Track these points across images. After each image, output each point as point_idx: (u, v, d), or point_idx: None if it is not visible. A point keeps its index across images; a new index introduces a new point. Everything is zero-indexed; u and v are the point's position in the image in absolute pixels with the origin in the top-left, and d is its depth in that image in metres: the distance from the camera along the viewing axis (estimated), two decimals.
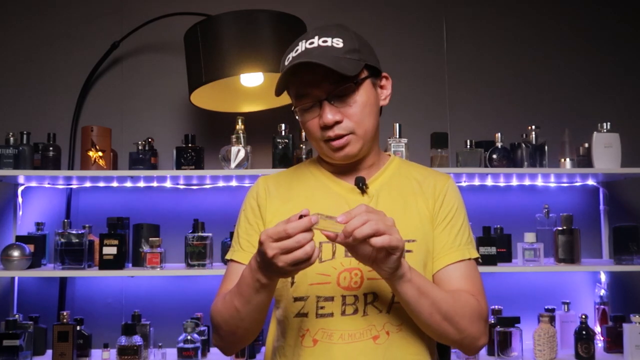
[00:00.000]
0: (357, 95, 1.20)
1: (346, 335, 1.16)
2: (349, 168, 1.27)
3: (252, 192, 1.32)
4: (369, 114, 1.22)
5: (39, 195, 2.51)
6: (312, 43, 1.18)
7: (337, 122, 1.19)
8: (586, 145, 2.39)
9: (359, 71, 1.19)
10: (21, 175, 2.30)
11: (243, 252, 1.27)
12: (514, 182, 2.54)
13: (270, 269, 1.03)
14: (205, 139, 2.50)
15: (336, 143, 1.20)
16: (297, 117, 1.25)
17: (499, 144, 2.35)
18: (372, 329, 1.16)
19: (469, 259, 1.23)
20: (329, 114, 1.18)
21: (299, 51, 1.18)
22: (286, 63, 1.20)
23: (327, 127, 1.19)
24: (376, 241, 0.99)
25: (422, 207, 1.25)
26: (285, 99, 2.31)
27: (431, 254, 1.23)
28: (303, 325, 1.19)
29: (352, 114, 1.19)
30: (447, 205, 1.26)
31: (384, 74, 1.27)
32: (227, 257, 1.29)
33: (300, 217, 0.99)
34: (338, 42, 1.18)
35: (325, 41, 1.18)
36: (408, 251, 1.19)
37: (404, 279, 1.08)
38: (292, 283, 1.21)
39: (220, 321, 1.20)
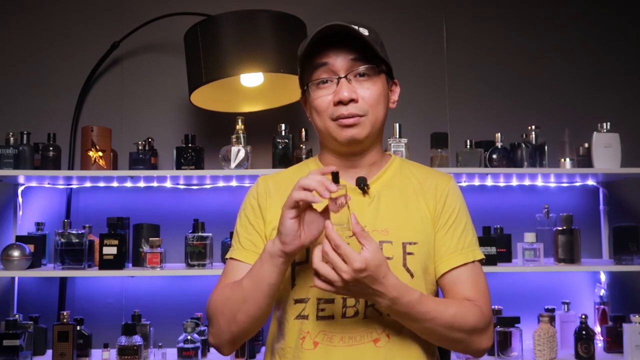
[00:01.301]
0: (376, 79, 1.21)
1: (347, 337, 1.16)
2: (350, 164, 1.26)
3: (252, 192, 1.31)
4: (381, 104, 1.23)
5: (39, 195, 2.51)
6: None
7: (352, 101, 1.18)
8: (586, 145, 2.39)
9: (382, 56, 1.21)
10: (21, 175, 2.30)
11: (243, 250, 1.25)
12: (514, 182, 2.54)
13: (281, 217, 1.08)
14: (205, 139, 2.50)
15: (346, 121, 1.19)
16: (308, 96, 1.24)
17: (499, 144, 2.35)
18: (373, 331, 1.16)
19: (473, 261, 1.23)
20: (346, 91, 1.17)
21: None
22: (307, 42, 1.20)
23: (341, 104, 1.18)
24: (319, 284, 1.06)
25: (424, 207, 1.25)
26: (285, 99, 2.34)
27: (432, 256, 1.23)
28: (303, 327, 1.18)
29: (367, 97, 1.20)
30: (449, 207, 1.25)
31: (395, 80, 1.29)
32: (227, 256, 1.28)
33: (332, 173, 1.09)
34: (364, 31, 1.19)
35: (352, 27, 1.19)
36: (409, 253, 1.19)
37: (389, 311, 1.12)
38: (293, 285, 1.21)
39: (221, 305, 1.18)
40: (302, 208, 1.08)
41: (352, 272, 1.03)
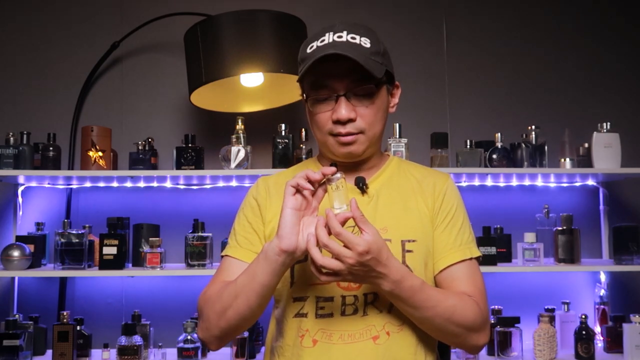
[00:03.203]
0: (374, 97, 1.20)
1: (346, 335, 1.16)
2: (350, 168, 1.27)
3: (252, 191, 1.31)
4: (380, 119, 1.23)
5: (39, 195, 2.51)
6: (340, 37, 1.18)
7: (350, 120, 1.18)
8: (586, 145, 2.39)
9: (382, 74, 1.19)
10: (21, 175, 2.30)
11: (240, 248, 1.25)
12: (514, 182, 2.54)
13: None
14: (205, 139, 2.50)
15: (344, 139, 1.20)
16: (307, 108, 1.24)
17: (499, 144, 2.35)
18: (372, 329, 1.16)
19: (470, 258, 1.24)
20: (344, 110, 1.17)
21: (325, 42, 1.17)
22: (308, 51, 1.19)
23: (339, 123, 1.18)
24: (325, 278, 1.07)
25: (422, 206, 1.25)
26: (285, 99, 2.34)
27: (431, 254, 1.23)
28: (302, 325, 1.19)
29: (366, 115, 1.20)
30: (446, 204, 1.26)
31: (396, 82, 1.28)
32: (222, 253, 1.28)
33: (332, 164, 1.11)
34: (366, 42, 1.18)
35: (353, 38, 1.18)
36: (408, 251, 1.20)
37: (390, 296, 1.12)
38: (292, 283, 1.21)
39: (213, 300, 1.17)
40: (301, 202, 1.09)
41: (357, 255, 1.03)
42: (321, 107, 1.20)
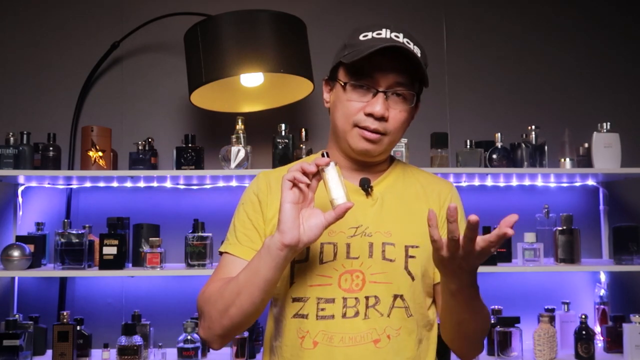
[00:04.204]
0: (410, 105, 1.21)
1: (347, 338, 1.16)
2: (357, 167, 1.27)
3: (253, 187, 1.29)
4: (404, 127, 1.24)
5: (39, 195, 2.51)
6: (397, 37, 1.18)
7: (382, 118, 1.18)
8: (586, 145, 2.39)
9: (426, 87, 1.22)
10: (21, 175, 2.30)
11: (239, 245, 1.24)
12: (514, 182, 2.54)
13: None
14: (205, 139, 2.50)
15: (369, 135, 1.19)
16: (336, 93, 1.22)
17: (499, 144, 2.34)
18: (373, 332, 1.16)
19: None
20: (382, 107, 1.17)
21: (383, 36, 1.18)
22: (361, 38, 1.19)
23: (371, 117, 1.18)
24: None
25: (426, 212, 1.24)
26: (285, 99, 2.34)
27: (432, 261, 1.23)
28: (302, 326, 1.18)
29: (396, 119, 1.20)
30: None
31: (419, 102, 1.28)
32: (221, 249, 1.27)
33: (323, 155, 1.10)
34: (418, 52, 1.19)
35: (409, 43, 1.19)
36: (411, 257, 1.19)
37: (468, 291, 1.11)
38: (292, 283, 1.20)
39: (214, 298, 1.16)
40: (299, 195, 1.08)
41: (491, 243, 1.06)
42: (356, 95, 1.20)
